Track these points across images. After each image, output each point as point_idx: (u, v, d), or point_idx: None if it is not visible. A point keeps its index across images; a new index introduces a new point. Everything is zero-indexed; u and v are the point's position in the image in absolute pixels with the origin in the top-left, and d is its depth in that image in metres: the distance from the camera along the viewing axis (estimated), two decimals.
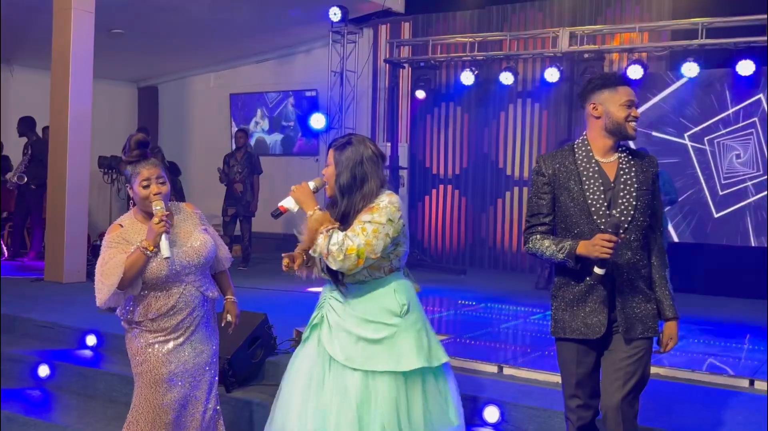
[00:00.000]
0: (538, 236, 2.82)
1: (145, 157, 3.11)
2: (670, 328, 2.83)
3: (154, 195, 3.06)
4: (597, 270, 2.65)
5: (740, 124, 8.29)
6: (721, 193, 8.40)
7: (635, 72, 8.37)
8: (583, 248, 2.65)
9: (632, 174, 2.77)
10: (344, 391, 2.71)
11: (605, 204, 2.73)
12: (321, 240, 2.68)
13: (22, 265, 8.45)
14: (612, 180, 2.76)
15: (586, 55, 8.72)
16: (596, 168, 2.78)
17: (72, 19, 7.24)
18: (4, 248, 9.05)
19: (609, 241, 2.58)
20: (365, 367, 2.70)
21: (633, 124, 2.75)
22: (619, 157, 2.80)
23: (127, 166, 3.11)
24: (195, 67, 12.17)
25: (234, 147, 9.57)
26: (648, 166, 2.82)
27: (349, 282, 2.76)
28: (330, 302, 2.83)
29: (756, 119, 8.19)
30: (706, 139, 8.45)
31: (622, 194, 2.73)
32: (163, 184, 3.10)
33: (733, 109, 8.31)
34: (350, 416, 2.67)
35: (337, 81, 10.21)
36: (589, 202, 2.73)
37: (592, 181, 2.76)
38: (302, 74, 11.23)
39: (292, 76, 11.39)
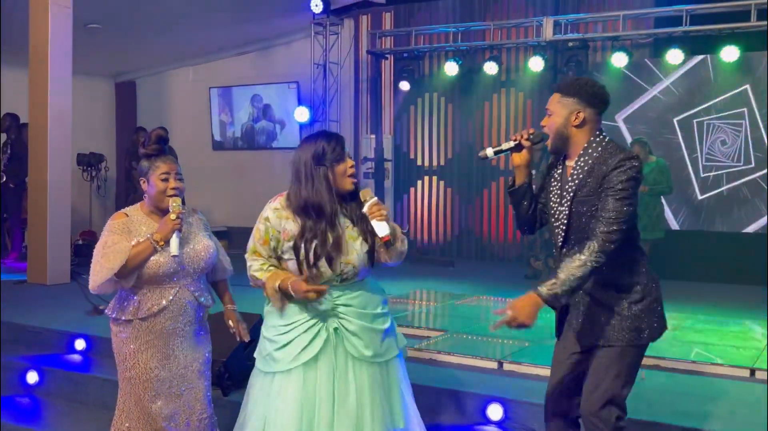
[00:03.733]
0: None
1: (163, 152, 3.07)
2: (522, 300, 2.49)
3: (172, 189, 3.02)
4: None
5: (730, 112, 8.31)
6: (702, 175, 8.44)
7: (619, 60, 8.37)
8: None
9: (576, 181, 2.64)
10: (372, 386, 2.75)
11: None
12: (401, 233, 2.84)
13: (4, 267, 8.27)
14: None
15: (570, 44, 8.69)
16: (560, 171, 2.77)
17: (49, 14, 7.06)
18: None
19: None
20: (386, 357, 2.82)
21: None
22: (577, 160, 2.67)
23: (144, 160, 3.07)
24: (173, 61, 11.98)
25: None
26: (602, 164, 2.59)
27: (356, 279, 2.78)
28: (339, 310, 2.76)
29: (745, 109, 8.21)
30: (695, 121, 8.48)
31: (559, 203, 2.71)
32: (180, 180, 3.08)
33: (722, 97, 8.33)
34: (385, 406, 2.77)
35: (320, 73, 10.10)
36: (551, 204, 2.76)
37: (553, 184, 2.77)
38: (283, 66, 11.09)
39: (272, 69, 11.25)
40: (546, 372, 4.12)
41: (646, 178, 7.12)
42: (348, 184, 2.74)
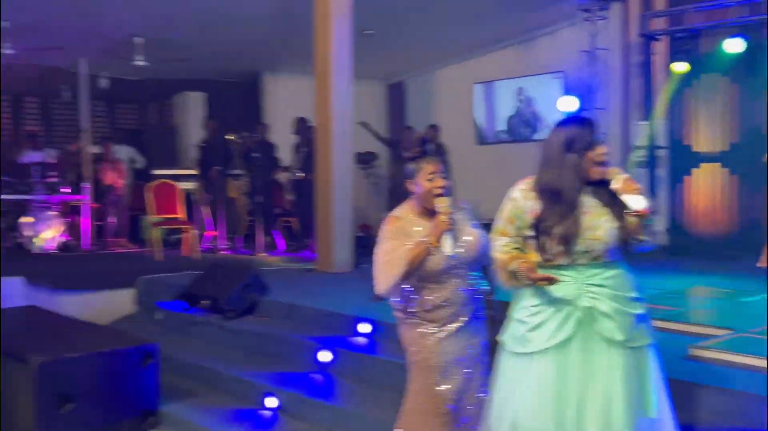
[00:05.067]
0: None
1: (428, 153, 3.24)
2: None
3: (438, 188, 3.16)
4: None
5: None
6: None
7: None
8: None
9: None
10: (624, 371, 2.69)
11: None
12: None
13: (297, 257, 9.15)
14: None
15: None
16: None
17: (332, 24, 7.68)
18: (281, 241, 9.88)
19: None
20: (639, 343, 2.74)
21: None
22: None
23: (409, 162, 3.25)
24: (440, 60, 12.40)
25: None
26: None
27: (607, 259, 2.74)
28: (592, 291, 2.73)
29: None
30: None
31: None
32: (446, 179, 3.21)
33: None
34: (637, 393, 2.71)
35: (587, 60, 9.84)
36: None
37: None
38: (547, 57, 10.97)
39: (536, 60, 11.17)
40: None
41: None
42: (596, 174, 2.71)
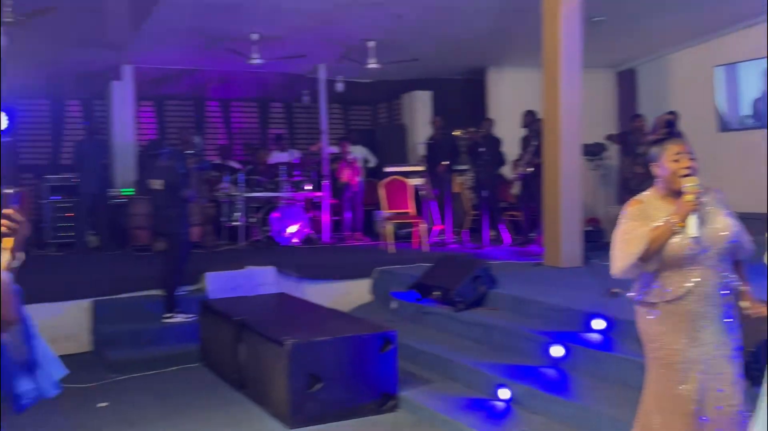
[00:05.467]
0: None
1: (672, 135, 3.14)
2: None
3: (685, 169, 3.02)
4: None
5: None
6: None
7: None
8: None
9: None
10: None
11: None
12: None
13: (523, 251, 9.12)
14: None
15: None
16: None
17: (561, 15, 7.56)
18: (507, 235, 9.91)
19: None
20: None
21: None
22: None
23: (654, 145, 3.16)
24: (673, 44, 11.67)
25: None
26: None
27: None
28: None
29: None
30: None
31: None
32: (692, 159, 3.06)
33: None
34: None
35: None
36: None
37: None
38: None
39: None
40: None
41: None
42: None
